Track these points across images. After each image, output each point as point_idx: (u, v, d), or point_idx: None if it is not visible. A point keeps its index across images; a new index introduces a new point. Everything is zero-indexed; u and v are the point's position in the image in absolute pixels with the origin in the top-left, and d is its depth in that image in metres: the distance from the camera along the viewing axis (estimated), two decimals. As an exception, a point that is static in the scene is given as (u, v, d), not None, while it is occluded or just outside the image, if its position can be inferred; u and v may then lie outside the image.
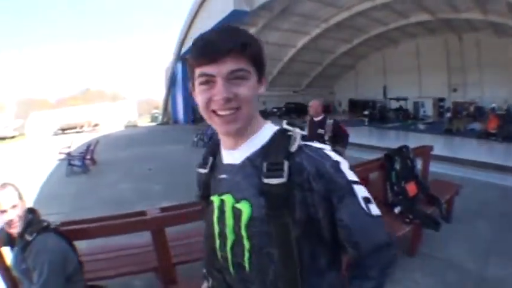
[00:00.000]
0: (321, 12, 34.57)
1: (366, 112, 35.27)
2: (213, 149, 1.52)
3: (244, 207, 1.26)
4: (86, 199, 10.57)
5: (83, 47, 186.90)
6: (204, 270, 1.64)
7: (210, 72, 1.21)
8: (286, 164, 1.21)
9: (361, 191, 1.24)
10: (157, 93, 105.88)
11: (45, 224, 2.79)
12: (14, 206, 2.61)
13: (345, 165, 1.26)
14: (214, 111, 1.26)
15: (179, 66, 50.97)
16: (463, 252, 5.51)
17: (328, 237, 1.27)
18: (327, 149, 1.29)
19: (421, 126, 27.64)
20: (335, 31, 38.61)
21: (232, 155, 1.37)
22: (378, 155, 6.60)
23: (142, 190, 11.17)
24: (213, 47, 1.20)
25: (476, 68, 38.01)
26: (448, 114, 27.29)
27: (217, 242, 1.40)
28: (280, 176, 1.19)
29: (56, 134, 56.12)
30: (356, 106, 48.60)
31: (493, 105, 26.44)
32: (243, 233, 1.27)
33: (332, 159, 1.24)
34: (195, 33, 38.76)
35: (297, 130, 1.29)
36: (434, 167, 8.94)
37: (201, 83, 1.25)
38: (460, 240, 5.99)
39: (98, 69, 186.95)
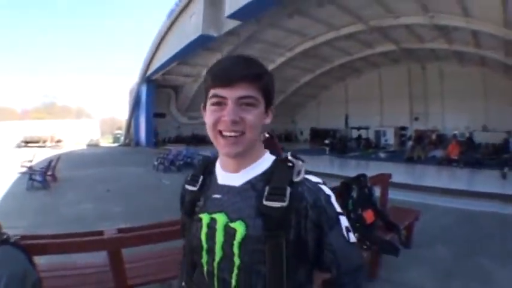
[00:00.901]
0: (287, 41, 34.97)
1: (327, 141, 35.35)
2: (205, 168, 1.59)
3: (239, 227, 1.34)
4: (46, 215, 10.43)
5: (52, 58, 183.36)
6: (184, 283, 1.67)
7: (222, 95, 1.32)
8: (288, 190, 1.31)
9: (344, 222, 1.39)
10: (121, 113, 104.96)
11: (5, 236, 2.73)
12: None
13: (333, 199, 1.40)
14: (220, 132, 1.35)
15: (144, 88, 50.64)
16: (424, 276, 5.64)
17: (310, 256, 1.38)
18: (321, 183, 1.44)
19: (382, 155, 28.00)
20: (299, 60, 39.07)
21: (231, 178, 1.45)
22: (338, 183, 6.70)
23: (102, 210, 11.02)
24: (230, 72, 1.32)
25: (439, 96, 38.93)
26: (410, 143, 27.62)
27: (205, 257, 1.46)
28: (282, 200, 1.30)
29: (18, 146, 55.12)
30: (318, 135, 48.74)
31: (455, 132, 27.00)
32: (235, 250, 1.35)
33: (326, 193, 1.39)
34: (162, 55, 39.01)
35: (300, 162, 1.40)
36: (396, 195, 9.11)
37: (213, 104, 1.36)
38: (421, 264, 6.12)
39: (65, 82, 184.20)
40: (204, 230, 1.44)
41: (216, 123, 1.35)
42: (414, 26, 27.48)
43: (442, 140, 32.20)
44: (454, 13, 22.50)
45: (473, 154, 22.65)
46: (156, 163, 22.64)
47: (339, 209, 1.40)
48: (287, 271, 1.32)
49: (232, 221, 1.37)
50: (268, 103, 1.42)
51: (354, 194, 5.93)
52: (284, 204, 1.29)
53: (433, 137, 34.87)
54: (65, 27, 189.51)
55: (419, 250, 6.74)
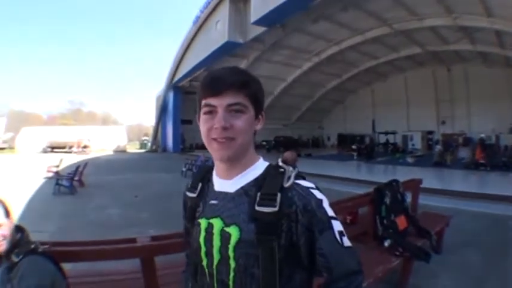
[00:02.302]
0: (313, 46, 35.06)
1: (354, 146, 35.15)
2: (203, 175, 1.66)
3: (234, 231, 1.40)
4: (72, 220, 10.49)
5: (77, 65, 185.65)
6: (190, 285, 1.71)
7: (212, 103, 1.40)
8: (279, 196, 1.36)
9: (337, 226, 1.40)
10: (148, 119, 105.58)
11: (33, 245, 2.63)
12: None
13: (326, 203, 1.42)
14: (214, 139, 1.41)
15: (171, 94, 51.06)
16: (454, 283, 5.51)
17: (304, 261, 1.41)
18: (313, 187, 1.45)
19: (410, 160, 27.67)
20: (326, 65, 39.14)
21: (226, 184, 1.50)
22: (367, 189, 6.61)
23: (129, 216, 11.07)
24: (218, 82, 1.41)
25: (464, 99, 38.89)
26: (438, 147, 27.36)
27: (204, 260, 1.50)
28: (273, 206, 1.35)
29: (45, 151, 56.03)
30: (345, 140, 48.87)
31: (481, 135, 26.67)
32: (230, 254, 1.40)
33: (316, 197, 1.40)
34: (188, 62, 39.08)
35: (291, 169, 1.45)
36: (425, 200, 8.98)
37: (205, 113, 1.44)
38: (451, 271, 5.99)
39: (91, 89, 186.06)
40: (203, 234, 1.50)
41: (209, 131, 1.42)
42: (438, 27, 27.51)
43: (468, 144, 31.81)
44: (477, 13, 22.46)
45: (500, 157, 22.32)
46: (184, 169, 22.60)
47: (331, 213, 1.41)
48: (280, 276, 1.37)
49: (227, 225, 1.43)
50: (258, 109, 1.48)
51: (387, 200, 5.86)
52: (275, 209, 1.34)
53: (460, 140, 34.56)
54: (92, 33, 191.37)
55: (449, 256, 6.61)
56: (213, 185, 1.56)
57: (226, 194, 1.49)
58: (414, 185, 7.88)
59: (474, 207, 11.14)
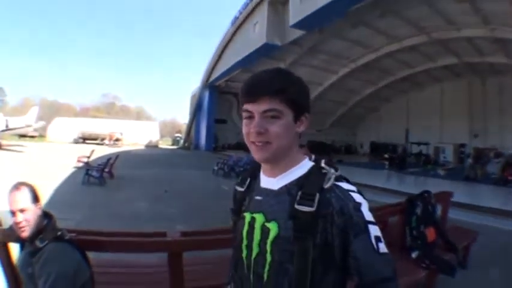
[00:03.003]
0: (350, 52, 35.08)
1: (387, 156, 35.02)
2: (252, 172, 1.73)
3: (273, 227, 1.45)
4: (100, 210, 10.64)
5: (114, 58, 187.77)
6: (230, 274, 1.79)
7: (250, 109, 1.46)
8: (317, 196, 1.38)
9: (374, 231, 1.39)
10: (182, 116, 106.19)
11: (59, 233, 2.69)
12: (22, 210, 2.52)
13: (365, 207, 1.42)
14: (253, 142, 1.47)
15: (206, 93, 51.44)
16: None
17: (338, 261, 1.41)
18: (354, 190, 1.46)
19: (441, 172, 27.39)
20: (362, 72, 39.13)
21: (271, 182, 1.55)
22: (396, 199, 6.57)
23: (156, 211, 11.14)
24: (254, 89, 1.46)
25: (498, 113, 38.20)
26: (469, 160, 27.05)
27: (244, 252, 1.57)
28: (311, 206, 1.38)
29: (76, 142, 56.90)
30: (377, 149, 48.55)
31: (511, 151, 26.32)
32: (268, 248, 1.46)
33: (355, 200, 1.41)
34: (225, 62, 39.33)
35: (332, 170, 1.47)
36: (453, 213, 8.88)
37: (245, 117, 1.50)
38: (475, 286, 5.93)
39: (126, 84, 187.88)
40: (246, 227, 1.58)
41: (248, 134, 1.48)
42: (475, 38, 27.26)
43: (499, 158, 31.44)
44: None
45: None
46: (215, 168, 22.77)
47: (369, 218, 1.40)
48: (313, 274, 1.38)
49: (268, 221, 1.48)
50: (299, 112, 1.49)
51: (418, 211, 5.80)
52: (312, 209, 1.37)
53: (492, 155, 34.14)
54: (128, 28, 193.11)
55: (474, 272, 6.48)
56: (259, 182, 1.62)
57: (270, 191, 1.53)
58: (445, 198, 7.77)
59: (502, 224, 10.99)
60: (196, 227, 4.68)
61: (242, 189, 1.70)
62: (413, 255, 5.35)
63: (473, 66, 34.83)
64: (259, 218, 1.51)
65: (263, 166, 1.60)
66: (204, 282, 4.03)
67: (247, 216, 1.57)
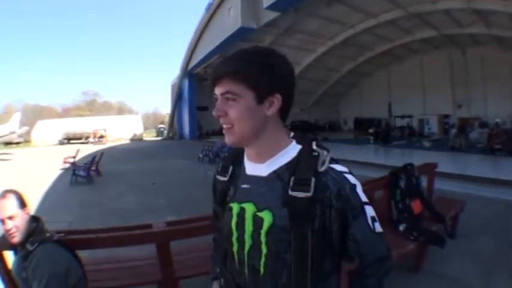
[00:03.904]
0: (327, 30, 34.99)
1: (371, 130, 34.90)
2: (234, 158, 1.64)
3: (266, 216, 1.39)
4: (90, 209, 10.60)
5: (90, 55, 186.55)
6: (218, 270, 1.76)
7: (215, 92, 1.45)
8: (313, 181, 1.34)
9: (370, 211, 1.39)
10: (164, 107, 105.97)
11: (48, 234, 2.73)
12: (10, 217, 2.55)
13: (359, 188, 1.40)
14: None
15: (186, 81, 51.23)
16: (468, 269, 5.47)
17: (336, 246, 1.40)
18: (347, 171, 1.43)
19: (426, 144, 27.41)
20: (341, 49, 39.09)
21: (258, 168, 1.49)
22: (384, 172, 6.59)
23: (146, 204, 11.13)
24: (214, 72, 1.44)
25: (480, 83, 38.39)
26: (454, 131, 27.15)
27: (235, 245, 1.51)
28: (307, 191, 1.32)
29: (61, 143, 56.77)
30: (361, 124, 48.41)
31: (497, 120, 26.44)
32: (263, 239, 1.40)
33: (351, 182, 1.38)
34: (202, 49, 39.17)
35: (325, 152, 1.42)
36: (440, 184, 8.93)
37: (215, 100, 1.46)
38: (465, 256, 5.96)
39: (105, 79, 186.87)
40: (234, 219, 1.50)
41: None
42: (453, 10, 27.19)
43: (484, 127, 31.51)
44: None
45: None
46: (200, 155, 22.81)
47: (364, 199, 1.40)
48: (312, 260, 1.35)
49: (260, 210, 1.42)
50: (262, 93, 1.41)
51: (402, 184, 5.84)
52: (309, 194, 1.32)
53: (476, 124, 34.31)
54: (102, 24, 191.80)
55: (463, 241, 6.57)
56: (244, 169, 1.56)
57: (258, 178, 1.47)
58: (429, 169, 7.83)
59: (489, 192, 11.01)
60: (186, 215, 4.70)
61: (225, 178, 1.61)
62: (401, 228, 5.41)
63: (452, 37, 34.86)
64: (249, 207, 1.45)
65: (247, 151, 1.56)
66: (195, 270, 4.06)
67: (235, 206, 1.51)
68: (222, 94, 1.41)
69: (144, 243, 3.89)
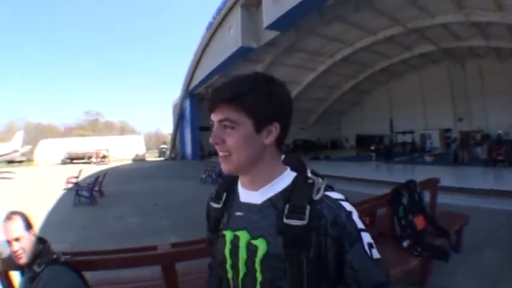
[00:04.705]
0: (327, 48, 35.08)
1: (373, 147, 34.94)
2: (228, 185, 1.61)
3: (261, 244, 1.36)
4: (93, 230, 10.60)
5: (93, 75, 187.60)
6: None
7: (211, 119, 1.42)
8: (308, 209, 1.31)
9: (366, 238, 1.37)
10: (166, 127, 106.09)
11: (54, 256, 2.72)
12: (17, 239, 2.57)
13: (355, 215, 1.38)
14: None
15: (187, 101, 51.26)
16: (474, 282, 5.48)
17: (332, 273, 1.36)
18: (343, 199, 1.40)
19: (428, 159, 27.43)
20: (341, 67, 39.19)
21: (252, 195, 1.46)
22: (386, 189, 6.61)
23: (149, 224, 11.14)
24: (212, 98, 1.41)
25: (480, 95, 38.41)
26: (455, 145, 27.16)
27: (230, 272, 1.47)
28: (302, 219, 1.30)
29: (63, 163, 56.80)
30: (363, 141, 48.38)
31: (499, 131, 26.48)
32: (257, 267, 1.36)
33: (346, 209, 1.35)
34: (203, 69, 39.21)
35: (320, 180, 1.40)
36: (444, 198, 8.92)
37: (212, 126, 1.44)
38: (470, 269, 5.95)
39: (107, 99, 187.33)
40: (228, 246, 1.47)
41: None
42: (451, 24, 27.41)
43: (486, 141, 31.46)
44: (488, 8, 22.39)
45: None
46: (203, 176, 22.66)
47: (360, 225, 1.38)
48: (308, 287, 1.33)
49: (254, 238, 1.39)
50: (261, 122, 1.39)
51: (405, 201, 5.86)
52: (304, 222, 1.30)
53: (478, 137, 34.28)
54: (106, 44, 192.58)
55: (468, 255, 6.57)
56: (238, 196, 1.53)
57: (252, 205, 1.45)
58: (432, 184, 7.84)
59: (493, 204, 11.02)
60: (189, 237, 4.69)
61: (218, 206, 1.58)
62: (405, 244, 5.42)
63: (451, 51, 34.96)
64: (243, 235, 1.42)
65: (241, 179, 1.52)
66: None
67: (228, 234, 1.48)
68: (219, 121, 1.39)
69: (149, 265, 3.88)
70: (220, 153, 1.42)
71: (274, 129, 1.41)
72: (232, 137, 1.36)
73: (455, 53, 35.92)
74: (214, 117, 1.40)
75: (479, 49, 32.44)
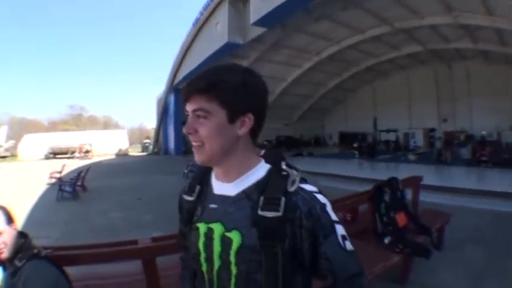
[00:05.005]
0: (313, 46, 35.10)
1: (356, 145, 35.10)
2: (202, 178, 1.60)
3: (235, 236, 1.36)
4: (76, 225, 10.52)
5: (77, 70, 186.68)
6: None
7: (186, 109, 1.43)
8: (283, 200, 1.31)
9: (340, 230, 1.38)
10: (149, 122, 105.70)
11: (35, 250, 2.66)
12: None
13: (329, 207, 1.39)
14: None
15: (172, 96, 51.05)
16: (455, 279, 5.54)
17: (307, 265, 1.38)
18: (317, 191, 1.41)
19: (412, 157, 27.61)
20: (326, 64, 39.24)
21: (226, 187, 1.45)
22: (369, 186, 6.63)
23: (132, 219, 11.12)
24: (186, 87, 1.41)
25: (466, 96, 38.80)
26: (439, 144, 27.34)
27: (204, 265, 1.47)
28: (277, 210, 1.30)
29: (47, 158, 56.44)
30: (346, 139, 48.58)
31: (483, 132, 26.69)
32: (232, 259, 1.36)
33: (321, 202, 1.37)
34: (188, 64, 39.08)
35: (295, 172, 1.40)
36: (426, 197, 9.00)
37: (187, 117, 1.43)
38: (452, 267, 6.02)
39: (91, 93, 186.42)
40: (202, 239, 1.46)
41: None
42: (439, 26, 27.50)
43: (470, 141, 31.77)
44: (477, 12, 22.48)
45: (502, 154, 22.33)
46: (185, 171, 22.56)
47: (334, 217, 1.39)
48: (283, 280, 1.33)
49: (228, 230, 1.38)
50: (234, 112, 1.38)
51: (387, 198, 5.89)
52: (279, 214, 1.30)
53: (462, 137, 34.53)
54: (90, 39, 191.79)
55: (450, 252, 6.64)
56: (212, 188, 1.52)
57: (226, 197, 1.44)
58: (414, 182, 7.89)
59: (476, 204, 11.13)
60: (172, 231, 4.69)
61: (192, 198, 1.56)
62: (386, 240, 5.45)
63: (438, 52, 35.25)
64: (217, 228, 1.42)
65: (215, 170, 1.53)
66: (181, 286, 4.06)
67: (202, 227, 1.47)
68: (193, 111, 1.39)
69: (129, 260, 3.89)
70: (194, 144, 1.42)
71: (248, 120, 1.41)
72: (205, 126, 1.36)
73: (443, 55, 36.20)
74: (189, 107, 1.41)
75: (466, 51, 32.70)
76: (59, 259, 2.97)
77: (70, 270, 3.03)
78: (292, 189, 1.35)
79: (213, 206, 1.47)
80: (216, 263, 1.42)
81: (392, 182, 6.24)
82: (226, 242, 1.38)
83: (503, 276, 5.59)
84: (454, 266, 6.05)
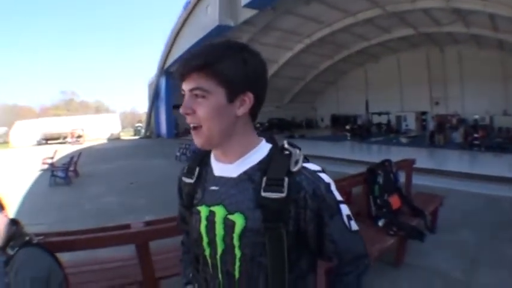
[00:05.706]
0: (304, 28, 34.84)
1: (348, 127, 35.24)
2: (201, 159, 1.55)
3: (238, 219, 1.32)
4: (69, 211, 10.48)
5: (68, 55, 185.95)
6: (190, 274, 1.70)
7: (182, 87, 1.35)
8: (286, 181, 1.28)
9: (345, 210, 1.37)
10: (141, 106, 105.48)
11: (27, 238, 2.63)
12: None
13: (333, 187, 1.37)
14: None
15: (163, 80, 50.82)
16: (450, 261, 5.59)
17: (312, 246, 1.37)
18: (320, 170, 1.39)
19: (404, 140, 27.67)
20: (318, 47, 38.89)
21: (227, 169, 1.42)
22: (361, 169, 6.63)
23: (125, 204, 11.11)
24: (182, 65, 1.33)
25: (458, 80, 38.78)
26: (431, 127, 27.37)
27: (207, 250, 1.44)
28: (280, 191, 1.27)
29: (39, 144, 56.14)
30: (338, 121, 48.74)
31: (475, 116, 26.72)
32: (236, 242, 1.33)
33: (325, 181, 1.35)
34: (179, 47, 38.81)
35: (297, 151, 1.36)
36: (419, 180, 9.04)
37: (183, 97, 1.37)
38: (446, 249, 6.07)
39: (82, 78, 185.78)
40: (204, 222, 1.43)
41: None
42: (432, 10, 27.23)
43: (461, 125, 31.82)
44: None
45: (494, 138, 22.46)
46: (178, 154, 22.70)
47: (339, 197, 1.37)
48: (288, 261, 1.32)
49: (230, 213, 1.35)
50: (233, 91, 1.34)
51: (380, 180, 5.90)
52: (283, 195, 1.27)
53: (454, 121, 34.60)
54: (79, 24, 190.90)
55: (443, 235, 6.71)
56: (212, 170, 1.48)
57: (228, 179, 1.40)
58: (407, 165, 7.92)
59: (468, 187, 11.24)
60: (165, 215, 4.68)
61: (191, 181, 1.52)
62: (380, 223, 5.47)
63: (431, 36, 35.10)
64: (219, 211, 1.38)
65: (214, 151, 1.48)
66: (176, 270, 4.03)
67: (204, 210, 1.42)
68: (190, 90, 1.32)
69: (122, 244, 3.86)
70: (191, 125, 1.37)
71: (248, 99, 1.36)
72: (203, 106, 1.31)
73: (435, 38, 36.01)
74: (185, 86, 1.34)
75: (459, 35, 32.57)
76: (53, 245, 2.96)
77: (63, 256, 3.02)
78: (295, 169, 1.31)
79: (213, 188, 1.43)
80: (220, 247, 1.39)
81: (385, 164, 6.26)
82: (229, 225, 1.35)
83: (496, 258, 5.63)
84: (447, 249, 6.10)
